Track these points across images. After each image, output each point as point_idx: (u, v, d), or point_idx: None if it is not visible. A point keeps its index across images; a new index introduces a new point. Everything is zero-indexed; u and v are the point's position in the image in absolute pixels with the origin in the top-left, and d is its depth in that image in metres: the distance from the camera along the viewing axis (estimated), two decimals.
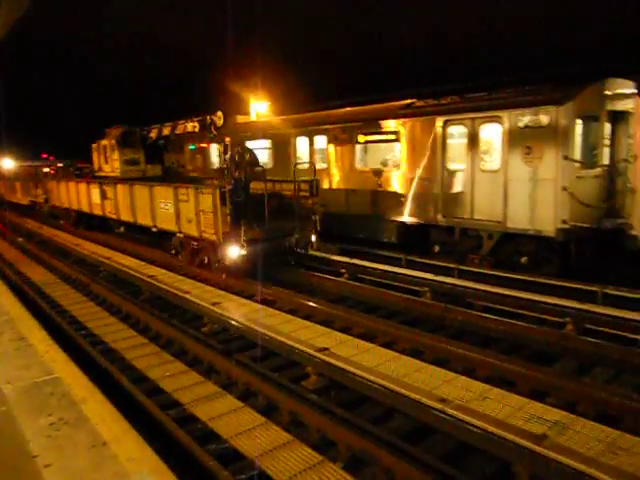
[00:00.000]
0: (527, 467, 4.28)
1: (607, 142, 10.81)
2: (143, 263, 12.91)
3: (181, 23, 25.26)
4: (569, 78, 10.90)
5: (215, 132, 12.43)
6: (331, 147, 14.84)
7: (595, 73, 10.72)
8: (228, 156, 10.95)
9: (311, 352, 6.58)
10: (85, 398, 4.80)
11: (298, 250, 11.80)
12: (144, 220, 13.89)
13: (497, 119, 10.86)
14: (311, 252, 12.31)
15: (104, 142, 17.18)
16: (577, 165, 10.13)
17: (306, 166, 13.45)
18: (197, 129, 13.23)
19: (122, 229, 17.81)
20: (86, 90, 34.86)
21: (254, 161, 11.61)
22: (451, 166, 11.93)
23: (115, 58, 30.23)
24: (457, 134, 12.03)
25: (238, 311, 8.51)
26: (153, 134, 16.09)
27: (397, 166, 13.21)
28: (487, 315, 8.42)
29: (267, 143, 17.04)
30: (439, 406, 5.01)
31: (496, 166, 11.04)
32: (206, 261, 11.85)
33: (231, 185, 10.54)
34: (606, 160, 10.79)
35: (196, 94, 25.56)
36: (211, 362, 7.16)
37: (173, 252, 13.10)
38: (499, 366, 6.51)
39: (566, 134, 9.92)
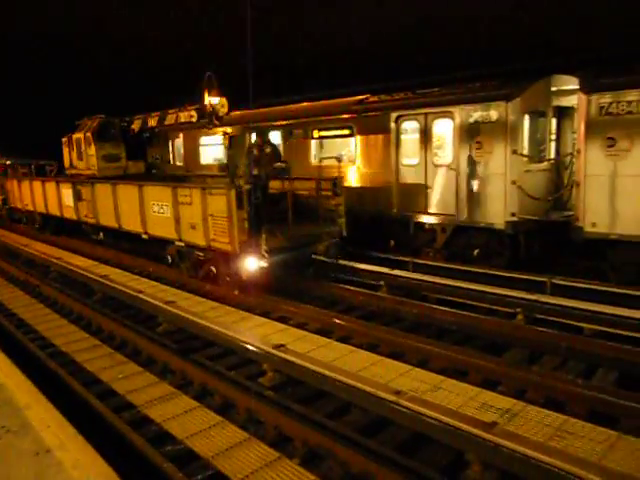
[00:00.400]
0: (478, 454, 4.39)
1: (553, 137, 11.21)
2: (95, 263, 12.55)
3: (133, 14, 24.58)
4: (519, 74, 11.17)
5: (217, 122, 11.04)
6: (287, 142, 14.77)
7: (542, 69, 11.06)
8: (245, 150, 9.85)
9: (267, 349, 6.55)
10: (29, 404, 4.64)
11: (327, 260, 10.35)
12: (131, 226, 12.06)
13: (449, 114, 11.05)
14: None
15: (77, 135, 15.19)
16: (525, 159, 10.44)
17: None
18: (195, 119, 11.80)
19: (101, 235, 15.45)
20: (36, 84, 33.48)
21: (276, 156, 10.41)
22: (405, 161, 12.08)
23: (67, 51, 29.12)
24: (410, 129, 12.18)
25: (193, 310, 8.39)
26: (135, 126, 14.42)
27: (352, 161, 13.28)
28: (441, 307, 8.59)
29: (220, 139, 16.81)
30: (393, 398, 5.06)
31: (448, 161, 11.25)
32: (213, 273, 10.23)
33: (249, 184, 9.08)
34: (553, 154, 11.18)
35: (145, 89, 24.93)
36: (166, 362, 7.03)
37: (170, 263, 11.33)
38: (452, 357, 6.66)
39: (515, 129, 10.19)
